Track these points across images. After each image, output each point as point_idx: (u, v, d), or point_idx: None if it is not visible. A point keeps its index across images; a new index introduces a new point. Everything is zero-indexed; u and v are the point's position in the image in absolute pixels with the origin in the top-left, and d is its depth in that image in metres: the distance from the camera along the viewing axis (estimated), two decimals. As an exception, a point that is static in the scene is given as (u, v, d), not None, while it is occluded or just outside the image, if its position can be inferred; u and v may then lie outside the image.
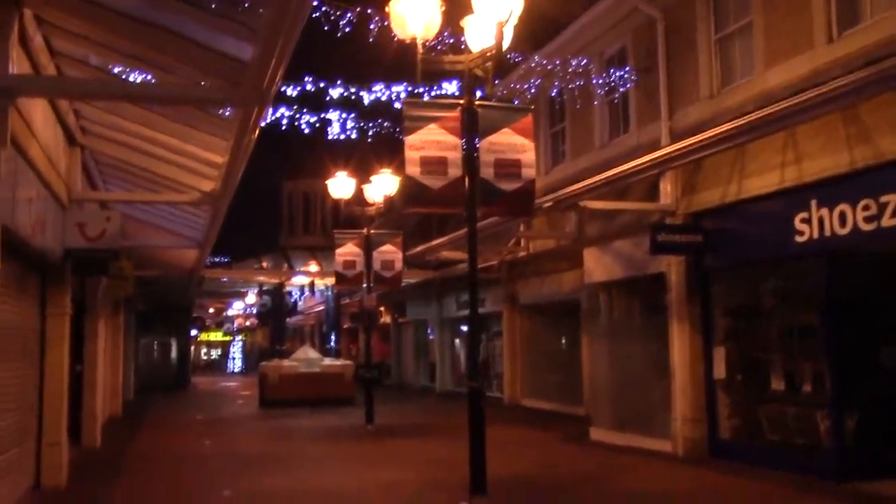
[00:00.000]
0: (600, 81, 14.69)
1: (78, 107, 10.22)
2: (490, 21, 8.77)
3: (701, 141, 11.17)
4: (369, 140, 16.41)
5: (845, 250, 10.33)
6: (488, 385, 27.80)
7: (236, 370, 61.47)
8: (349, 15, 11.47)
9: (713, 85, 12.57)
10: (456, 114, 9.60)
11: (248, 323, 56.90)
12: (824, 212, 10.34)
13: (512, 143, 9.64)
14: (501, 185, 9.54)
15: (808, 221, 10.58)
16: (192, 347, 55.10)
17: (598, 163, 15.15)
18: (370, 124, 16.53)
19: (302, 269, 27.33)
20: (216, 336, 69.16)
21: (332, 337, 32.47)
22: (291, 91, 14.19)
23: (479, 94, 9.68)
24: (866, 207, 9.75)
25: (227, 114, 8.67)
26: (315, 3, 10.70)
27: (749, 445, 12.12)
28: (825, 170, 10.31)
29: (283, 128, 15.20)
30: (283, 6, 5.37)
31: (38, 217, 8.93)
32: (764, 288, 12.15)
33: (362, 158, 19.76)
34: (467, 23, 9.21)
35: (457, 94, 13.55)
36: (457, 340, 30.99)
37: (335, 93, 14.07)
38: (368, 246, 18.50)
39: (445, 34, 11.62)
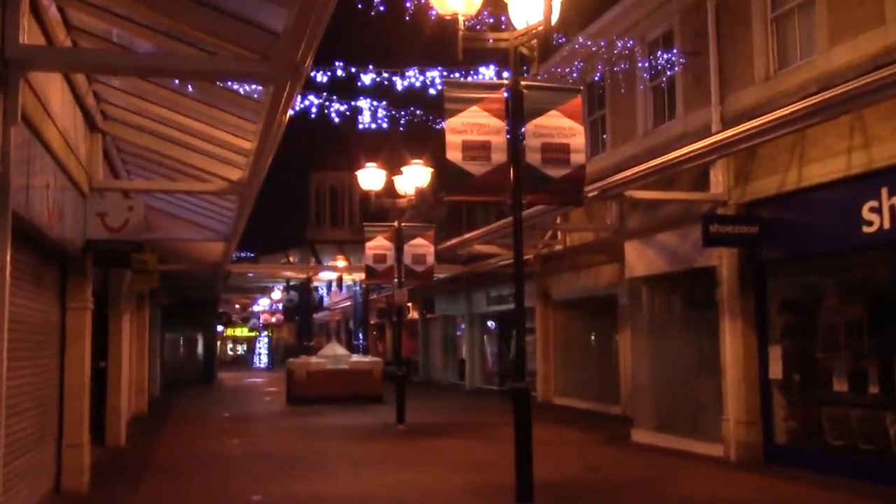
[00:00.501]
0: (645, 66, 13.96)
1: (98, 89, 9.67)
2: (537, -7, 8.12)
3: (759, 126, 10.43)
4: (401, 129, 15.78)
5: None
6: (519, 382, 27.11)
7: (262, 366, 61.22)
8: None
9: (769, 66, 11.82)
10: (500, 95, 8.96)
11: (273, 319, 56.54)
12: (896, 200, 9.59)
13: (560, 126, 8.97)
14: (549, 171, 8.88)
15: (877, 211, 9.82)
16: (218, 343, 54.90)
17: (641, 151, 14.45)
18: (402, 113, 15.94)
19: (330, 263, 26.77)
20: (242, 332, 68.99)
21: (360, 333, 31.92)
22: (321, 77, 13.62)
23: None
24: (945, 195, 9.00)
25: (257, 94, 8.09)
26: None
27: (808, 450, 11.38)
28: (898, 155, 9.56)
29: (313, 116, 14.65)
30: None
31: (56, 205, 8.38)
32: (826, 282, 11.40)
33: (393, 149, 19.16)
34: (512, -4, 8.56)
35: (495, 79, 12.92)
36: (486, 336, 30.38)
37: (367, 78, 13.48)
38: (399, 239, 17.89)
39: (485, 13, 10.99)
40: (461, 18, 8.72)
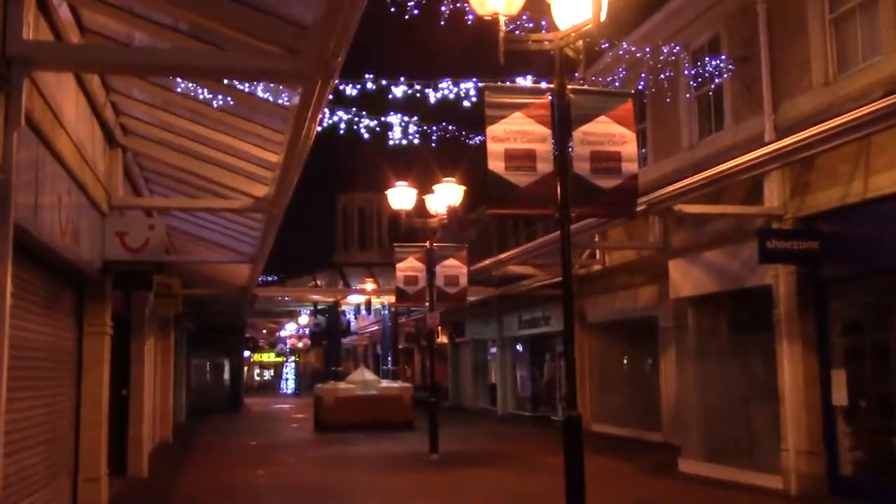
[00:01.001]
0: (689, 74, 13.26)
1: (116, 100, 9.14)
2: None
3: (821, 133, 9.70)
4: (433, 145, 15.15)
5: None
6: (553, 409, 26.34)
7: (289, 392, 60.61)
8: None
9: (828, 71, 11.07)
10: (544, 100, 8.29)
11: (300, 344, 56.00)
12: (978, 211, 8.80)
13: (610, 133, 8.28)
14: (599, 181, 8.18)
15: (956, 222, 9.03)
16: (245, 368, 54.40)
17: (686, 165, 13.72)
18: (434, 128, 15.33)
19: (358, 286, 26.16)
20: (268, 357, 68.49)
21: (388, 358, 31.24)
22: (350, 90, 13.04)
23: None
24: None
25: (285, 100, 7.50)
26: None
27: (876, 482, 10.51)
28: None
29: (341, 132, 14.08)
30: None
31: (71, 223, 7.82)
32: (894, 300, 10.56)
33: (424, 167, 18.54)
34: (556, -5, 7.92)
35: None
36: (517, 361, 29.55)
37: (398, 91, 12.86)
38: (431, 260, 17.23)
39: (524, 16, 10.37)
40: (502, 19, 8.09)
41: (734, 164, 10.77)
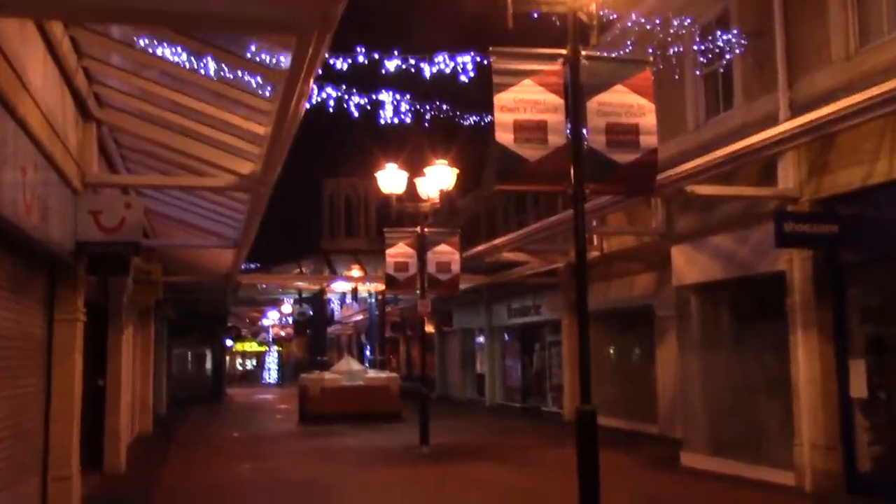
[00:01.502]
0: (698, 49, 12.63)
1: (90, 66, 8.38)
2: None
3: (843, 109, 9.10)
4: (426, 125, 14.46)
5: None
6: (543, 399, 25.79)
7: (272, 382, 59.88)
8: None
9: (850, 44, 10.45)
10: (557, 67, 7.65)
11: (283, 333, 55.21)
12: None
13: (627, 103, 7.67)
14: (615, 155, 7.56)
15: None
16: (227, 358, 53.59)
17: (692, 147, 13.08)
18: (427, 107, 14.63)
19: (345, 273, 25.46)
20: (251, 346, 67.68)
21: (374, 347, 30.59)
22: (340, 64, 12.31)
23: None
24: None
25: (274, 60, 6.80)
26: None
27: (897, 479, 9.97)
28: None
29: (330, 109, 13.33)
30: None
31: (38, 200, 7.10)
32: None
33: (415, 149, 17.84)
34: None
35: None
36: (507, 351, 28.95)
37: (391, 65, 12.14)
38: (422, 246, 16.55)
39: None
40: (512, -20, 7.45)
41: (752, 141, 10.15)
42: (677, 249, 13.97)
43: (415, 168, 17.14)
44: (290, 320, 47.56)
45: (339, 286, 27.69)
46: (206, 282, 22.41)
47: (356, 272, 24.35)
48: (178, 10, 4.71)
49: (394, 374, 25.35)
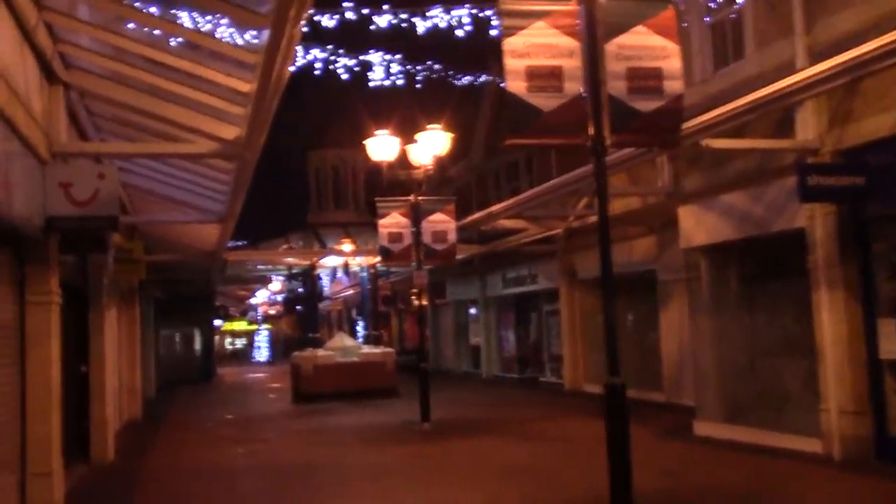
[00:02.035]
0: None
1: (52, 20, 7.56)
2: None
3: (868, 53, 8.44)
4: (417, 86, 13.73)
5: None
6: (541, 370, 25.25)
7: (262, 360, 59.25)
8: None
9: (874, -19, 9.74)
10: (571, 7, 6.94)
11: (272, 311, 54.48)
12: None
13: (649, 45, 6.99)
14: (637, 103, 6.89)
15: None
16: (217, 338, 52.84)
17: (698, 100, 12.30)
18: (419, 67, 13.89)
19: (335, 247, 24.72)
20: (240, 325, 66.95)
21: (367, 322, 29.94)
22: (328, 21, 11.56)
23: None
24: None
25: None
26: None
27: (931, 444, 9.42)
28: None
29: (317, 72, 12.58)
30: None
31: (-2, 169, 6.34)
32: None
33: (406, 115, 17.06)
34: None
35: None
36: (502, 322, 28.35)
37: (382, 21, 11.39)
38: (417, 215, 15.85)
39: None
40: None
41: (772, 89, 9.44)
42: (685, 210, 13.34)
43: (406, 135, 16.41)
44: (280, 298, 46.85)
45: (330, 261, 26.97)
46: (191, 260, 21.64)
47: (347, 246, 23.59)
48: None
49: (389, 350, 24.73)
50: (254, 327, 64.57)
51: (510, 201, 16.21)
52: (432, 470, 11.27)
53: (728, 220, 12.34)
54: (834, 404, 10.17)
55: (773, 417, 11.80)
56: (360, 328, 42.33)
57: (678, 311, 16.75)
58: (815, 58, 9.98)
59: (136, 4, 6.99)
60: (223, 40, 8.36)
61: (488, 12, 10.84)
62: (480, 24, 10.81)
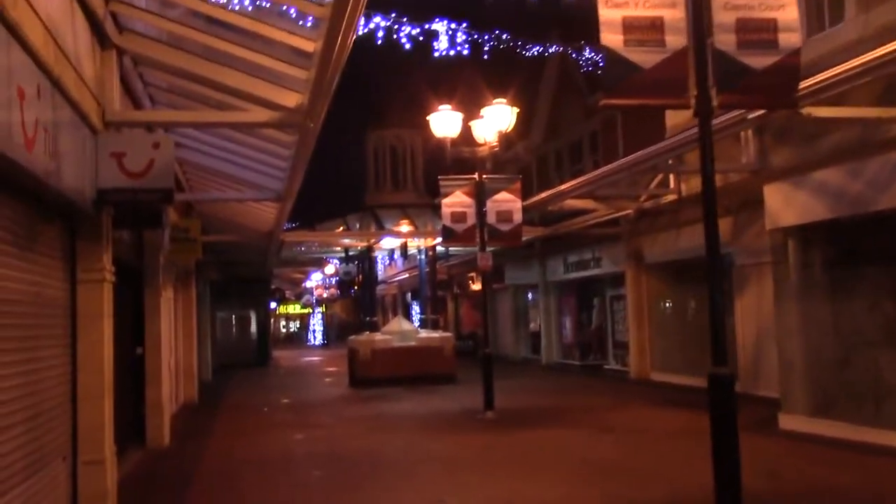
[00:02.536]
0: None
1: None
2: None
3: None
4: (485, 56, 13.00)
5: None
6: (604, 357, 24.43)
7: (317, 343, 59.32)
8: None
9: None
10: (673, -50, 6.15)
11: (326, 294, 54.33)
12: None
13: (762, -7, 6.15)
14: (748, 59, 6.11)
15: None
16: (272, 321, 52.90)
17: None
18: (486, 37, 13.16)
19: (393, 228, 24.16)
20: (294, 309, 67.11)
21: (423, 306, 29.39)
22: (391, -13, 10.87)
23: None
24: None
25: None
26: None
27: None
28: None
29: (379, 42, 11.92)
30: None
31: (44, 131, 5.82)
32: None
33: (469, 90, 16.32)
34: None
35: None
36: (563, 307, 27.54)
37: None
38: (481, 194, 15.15)
39: None
40: None
41: (887, 50, 8.52)
42: (772, 188, 12.42)
43: (468, 111, 15.71)
44: (335, 281, 46.56)
45: (388, 243, 26.42)
46: (248, 241, 21.24)
47: (405, 227, 23.00)
48: None
49: (448, 335, 24.12)
50: (308, 311, 64.67)
51: (580, 179, 15.39)
52: (502, 462, 10.61)
53: (821, 198, 11.43)
54: (947, 399, 9.27)
55: (870, 412, 10.90)
56: (415, 313, 41.86)
57: (755, 298, 15.85)
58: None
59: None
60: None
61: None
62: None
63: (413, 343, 22.58)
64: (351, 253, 29.09)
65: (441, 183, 15.61)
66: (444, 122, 15.15)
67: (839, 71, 8.79)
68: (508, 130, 15.42)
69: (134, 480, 9.88)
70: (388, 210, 30.13)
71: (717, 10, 6.09)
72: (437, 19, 12.27)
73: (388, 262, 44.79)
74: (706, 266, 6.20)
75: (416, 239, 24.47)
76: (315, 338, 61.53)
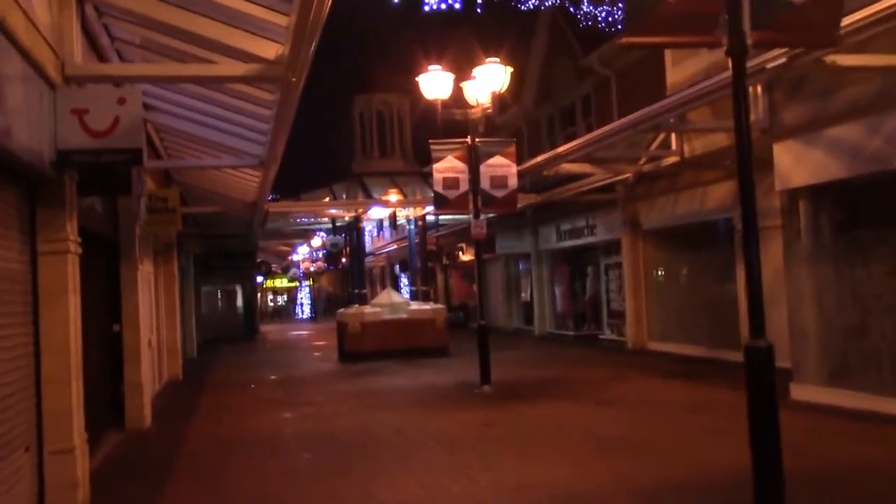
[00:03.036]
0: None
1: None
2: None
3: None
4: (478, 10, 12.19)
5: None
6: (599, 327, 23.88)
7: (304, 317, 58.74)
8: None
9: None
10: None
11: (313, 267, 53.61)
12: None
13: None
14: (786, -11, 5.38)
15: None
16: (259, 295, 52.20)
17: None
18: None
19: (382, 197, 23.42)
20: (281, 282, 66.40)
21: (412, 277, 28.73)
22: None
23: None
24: None
25: None
26: None
27: None
28: None
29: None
30: None
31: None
32: None
33: (460, 51, 15.56)
34: None
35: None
36: (556, 277, 26.96)
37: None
38: (475, 158, 14.44)
39: None
40: None
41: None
42: (782, 146, 11.78)
43: (460, 72, 14.97)
44: (322, 253, 45.80)
45: (376, 212, 25.69)
46: (231, 212, 20.47)
47: (394, 196, 22.27)
48: None
49: (440, 306, 23.48)
50: (295, 284, 64.00)
51: (579, 140, 14.67)
52: (504, 440, 10.00)
53: (836, 156, 10.79)
54: (977, 367, 8.70)
55: (889, 380, 10.35)
56: (404, 284, 41.21)
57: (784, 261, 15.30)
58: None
59: None
60: None
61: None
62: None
63: (404, 315, 21.97)
64: (338, 224, 28.33)
65: (432, 147, 14.88)
66: (435, 83, 14.43)
67: (887, 5, 8.01)
68: (502, 91, 14.71)
69: (110, 467, 9.24)
70: (375, 178, 29.33)
71: (749, -65, 5.38)
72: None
73: (375, 233, 44.06)
74: (742, 230, 5.55)
75: (404, 209, 23.73)
76: (303, 312, 60.95)
